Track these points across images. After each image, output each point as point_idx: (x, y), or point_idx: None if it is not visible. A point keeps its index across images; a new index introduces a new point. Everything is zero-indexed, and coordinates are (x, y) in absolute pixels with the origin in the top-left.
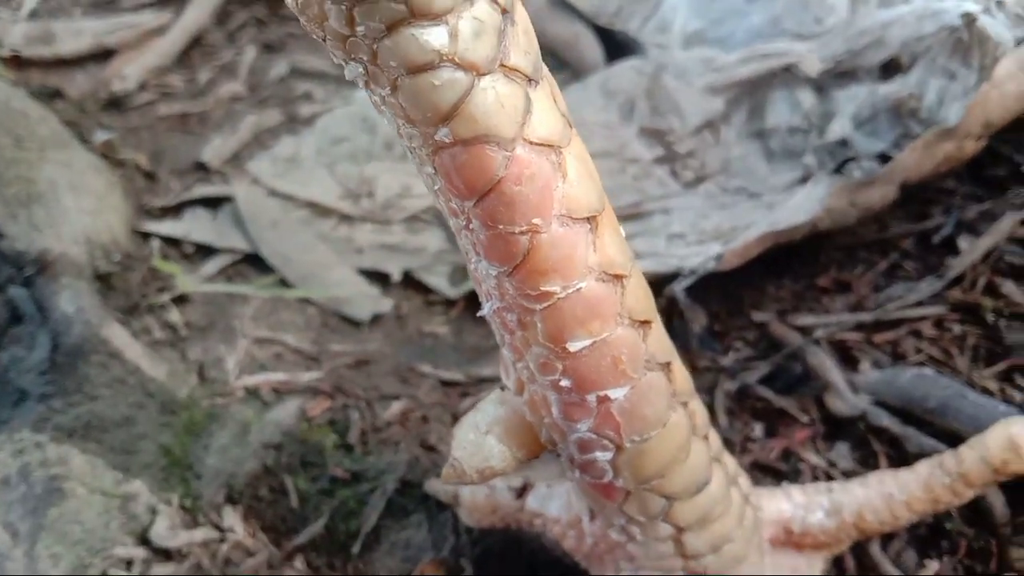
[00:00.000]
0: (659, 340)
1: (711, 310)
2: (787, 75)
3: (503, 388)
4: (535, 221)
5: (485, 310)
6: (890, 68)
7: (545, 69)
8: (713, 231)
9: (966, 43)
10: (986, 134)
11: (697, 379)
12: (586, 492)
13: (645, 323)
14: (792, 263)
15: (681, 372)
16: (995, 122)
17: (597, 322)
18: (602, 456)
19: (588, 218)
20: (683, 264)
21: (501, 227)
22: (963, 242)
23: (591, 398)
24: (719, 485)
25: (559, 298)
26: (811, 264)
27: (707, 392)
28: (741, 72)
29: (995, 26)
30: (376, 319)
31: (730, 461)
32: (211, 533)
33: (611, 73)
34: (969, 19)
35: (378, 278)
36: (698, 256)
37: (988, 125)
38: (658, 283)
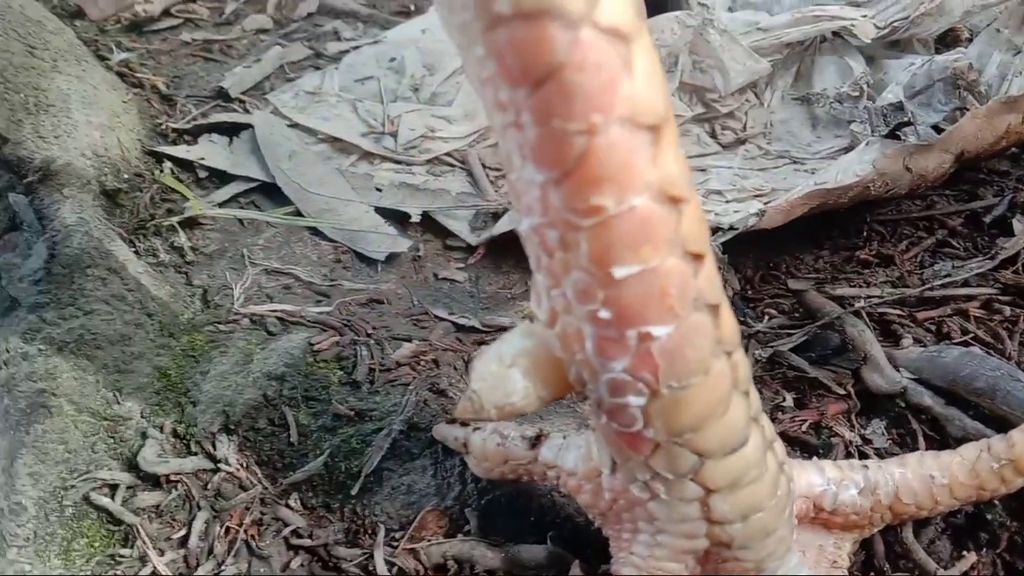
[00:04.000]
0: (711, 279)
1: (745, 275)
2: (838, 40)
3: (532, 319)
4: (595, 119)
5: (523, 226)
6: (947, 41)
7: None
8: (753, 190)
9: None
10: None
11: None
12: (610, 442)
13: (699, 257)
14: (832, 234)
15: (729, 319)
16: None
17: (648, 247)
18: (635, 401)
19: (652, 126)
20: (721, 220)
21: (556, 123)
22: (1018, 223)
23: (631, 334)
24: (755, 448)
25: (610, 214)
26: (853, 236)
27: None
28: (790, 34)
29: None
30: (391, 259)
31: (768, 425)
32: (203, 463)
33: (654, 24)
34: None
35: (396, 217)
36: (737, 213)
37: None
38: None
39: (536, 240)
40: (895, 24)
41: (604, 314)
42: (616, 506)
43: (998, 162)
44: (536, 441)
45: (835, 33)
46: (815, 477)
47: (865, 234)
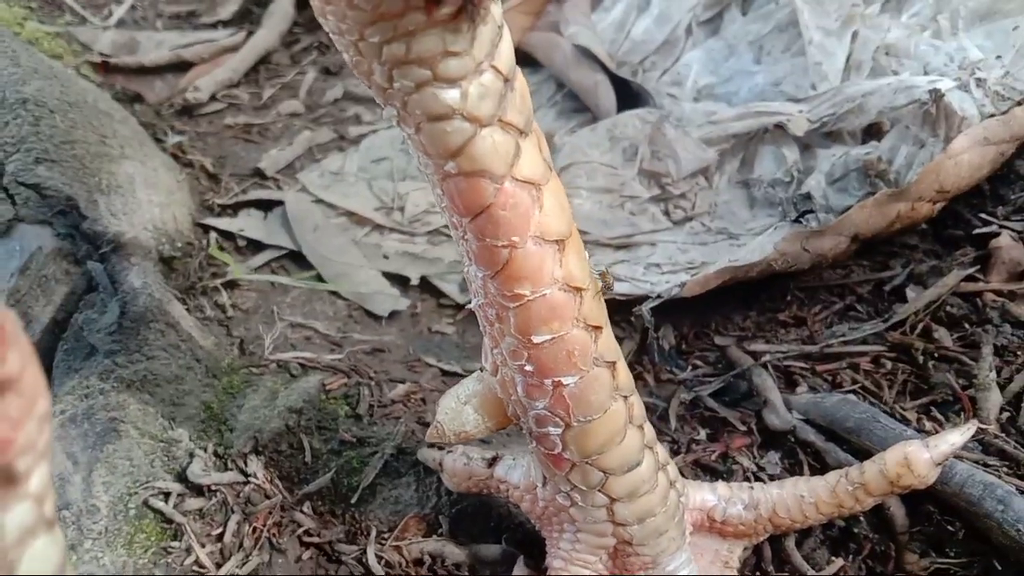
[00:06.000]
0: (607, 343)
1: (681, 332)
2: (777, 132)
3: (482, 369)
4: (514, 239)
5: (473, 304)
6: (873, 132)
7: (535, 124)
8: (686, 263)
9: (933, 116)
10: (941, 199)
11: (659, 389)
12: (541, 462)
13: (597, 328)
14: (761, 298)
15: (624, 372)
16: (949, 189)
17: (557, 322)
18: (554, 431)
19: (557, 241)
20: (653, 289)
21: (488, 240)
22: (911, 292)
23: (548, 382)
24: (649, 468)
25: (528, 300)
26: (777, 300)
27: (665, 400)
28: (735, 127)
29: (962, 101)
30: (393, 315)
31: (661, 451)
32: (237, 477)
33: (618, 120)
34: (937, 95)
35: (399, 281)
36: (668, 284)
37: (942, 191)
38: (631, 303)
39: (482, 314)
40: (824, 119)
41: (528, 368)
42: (547, 511)
43: (909, 237)
44: (492, 462)
45: (777, 125)
46: (708, 495)
47: (788, 299)
